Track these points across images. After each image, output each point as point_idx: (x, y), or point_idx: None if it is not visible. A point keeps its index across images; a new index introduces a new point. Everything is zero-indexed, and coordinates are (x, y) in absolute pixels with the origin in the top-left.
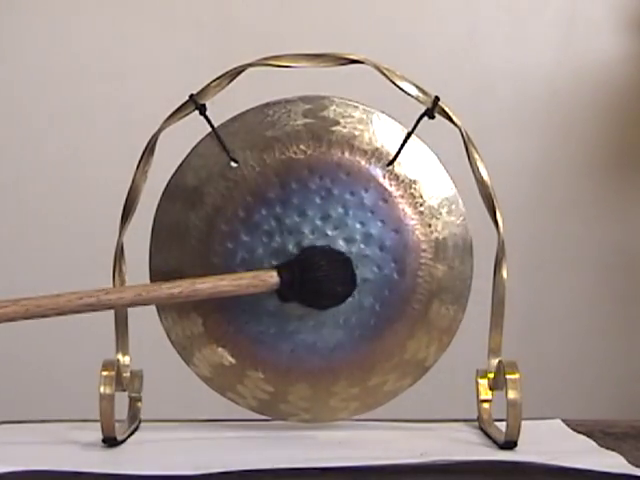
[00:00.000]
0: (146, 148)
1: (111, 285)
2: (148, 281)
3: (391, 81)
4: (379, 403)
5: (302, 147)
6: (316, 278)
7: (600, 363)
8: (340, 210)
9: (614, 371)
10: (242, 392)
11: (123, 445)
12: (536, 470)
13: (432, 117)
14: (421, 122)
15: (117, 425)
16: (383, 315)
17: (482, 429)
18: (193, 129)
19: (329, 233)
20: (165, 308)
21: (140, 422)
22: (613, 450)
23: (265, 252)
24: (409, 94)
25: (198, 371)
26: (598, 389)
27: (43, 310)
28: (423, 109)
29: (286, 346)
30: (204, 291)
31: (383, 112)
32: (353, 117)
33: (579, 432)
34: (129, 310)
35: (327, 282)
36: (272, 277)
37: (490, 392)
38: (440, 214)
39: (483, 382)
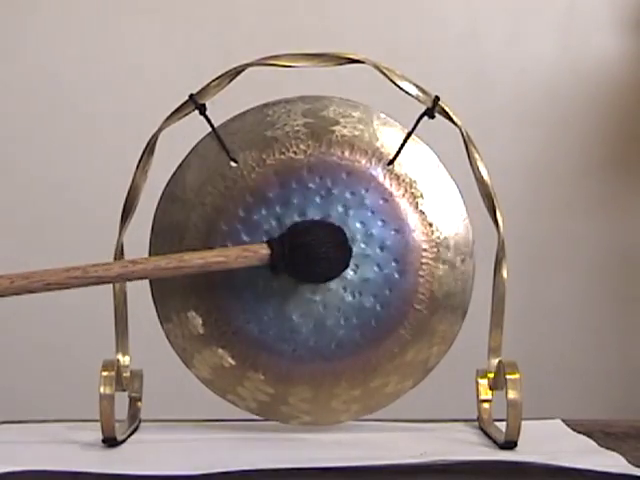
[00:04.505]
0: (146, 148)
1: (111, 286)
2: (148, 281)
3: (391, 81)
4: (381, 405)
5: (302, 147)
6: (306, 243)
7: (600, 363)
8: (340, 210)
9: (614, 371)
10: (242, 394)
11: (123, 445)
12: (536, 470)
13: (432, 117)
14: (421, 122)
15: (117, 425)
16: (384, 316)
17: (482, 429)
18: (193, 129)
19: None
20: (165, 308)
21: (140, 422)
22: (613, 450)
23: None
24: (409, 94)
25: (198, 373)
26: (598, 389)
27: (29, 283)
28: (423, 109)
29: (287, 347)
30: (192, 262)
31: (383, 112)
32: (353, 117)
33: (579, 432)
34: (129, 310)
35: (318, 246)
36: (262, 248)
37: (490, 392)
38: (441, 213)
39: (483, 382)
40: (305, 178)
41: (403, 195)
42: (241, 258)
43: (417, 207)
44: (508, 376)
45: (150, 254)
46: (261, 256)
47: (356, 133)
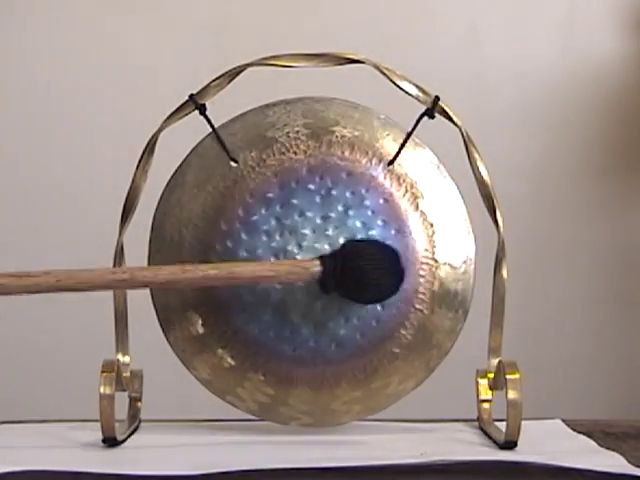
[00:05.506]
0: (146, 148)
1: None
2: None
3: (391, 81)
4: (382, 406)
5: (302, 147)
6: (359, 266)
7: (600, 363)
8: (340, 210)
9: (614, 371)
10: (242, 395)
11: (123, 445)
12: (536, 470)
13: (432, 117)
14: (421, 122)
15: (117, 425)
16: (385, 316)
17: (482, 429)
18: (193, 129)
19: (330, 233)
20: (164, 308)
21: (140, 422)
22: (613, 450)
23: (265, 252)
24: (409, 94)
25: (198, 374)
26: (598, 389)
27: (74, 283)
28: (423, 109)
29: (287, 348)
30: (241, 274)
31: (383, 112)
32: (353, 117)
33: (579, 432)
34: (129, 310)
35: (370, 271)
36: (314, 265)
37: (490, 392)
38: (441, 214)
39: (483, 382)
40: (305, 178)
41: (403, 195)
42: (292, 274)
43: (417, 207)
44: (508, 376)
45: (150, 254)
46: (312, 273)
47: (356, 133)
